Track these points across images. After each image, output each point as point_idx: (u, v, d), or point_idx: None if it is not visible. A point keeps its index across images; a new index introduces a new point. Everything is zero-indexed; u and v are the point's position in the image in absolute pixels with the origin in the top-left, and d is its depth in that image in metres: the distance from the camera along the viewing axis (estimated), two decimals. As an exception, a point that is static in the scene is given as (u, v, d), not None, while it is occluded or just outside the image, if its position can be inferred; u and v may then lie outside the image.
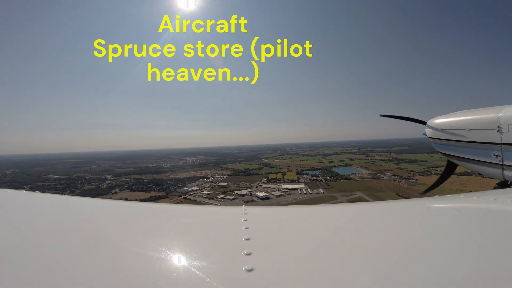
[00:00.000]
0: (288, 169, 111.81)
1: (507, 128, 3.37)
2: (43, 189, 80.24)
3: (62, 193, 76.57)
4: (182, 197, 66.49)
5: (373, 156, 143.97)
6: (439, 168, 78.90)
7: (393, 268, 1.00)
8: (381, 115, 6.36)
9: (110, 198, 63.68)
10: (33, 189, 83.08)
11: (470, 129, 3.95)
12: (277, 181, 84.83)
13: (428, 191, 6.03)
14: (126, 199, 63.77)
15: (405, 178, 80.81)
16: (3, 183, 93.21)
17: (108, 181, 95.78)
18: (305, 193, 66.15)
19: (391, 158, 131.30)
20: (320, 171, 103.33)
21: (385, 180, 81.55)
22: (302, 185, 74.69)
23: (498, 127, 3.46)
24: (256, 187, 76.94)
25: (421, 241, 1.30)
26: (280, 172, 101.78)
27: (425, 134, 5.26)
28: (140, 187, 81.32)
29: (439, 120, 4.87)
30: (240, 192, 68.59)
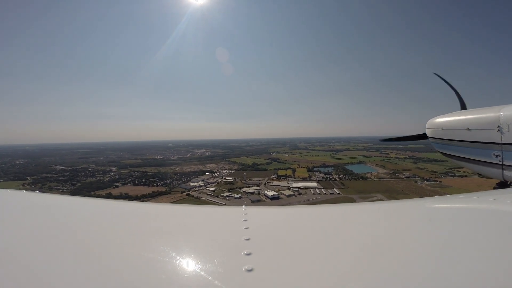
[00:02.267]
0: (298, 165, 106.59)
1: (507, 127, 3.34)
2: (45, 180, 78.35)
3: (63, 185, 75.08)
4: (185, 193, 62.29)
5: (388, 154, 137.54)
6: (462, 170, 72.98)
7: (393, 268, 0.99)
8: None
9: (110, 193, 61.90)
10: (35, 180, 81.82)
11: (471, 129, 3.88)
12: (287, 178, 79.50)
13: (387, 141, 7.28)
14: (126, 194, 60.16)
15: (427, 179, 74.31)
16: (9, 173, 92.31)
17: (112, 173, 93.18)
18: (319, 193, 60.53)
19: (407, 157, 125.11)
20: (332, 168, 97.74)
21: (405, 181, 75.21)
22: (315, 184, 69.03)
23: (498, 126, 3.41)
24: (265, 184, 71.75)
25: (421, 241, 1.30)
26: (290, 168, 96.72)
27: (425, 134, 5.27)
28: (143, 180, 77.96)
29: (439, 120, 4.83)
30: (247, 190, 63.80)
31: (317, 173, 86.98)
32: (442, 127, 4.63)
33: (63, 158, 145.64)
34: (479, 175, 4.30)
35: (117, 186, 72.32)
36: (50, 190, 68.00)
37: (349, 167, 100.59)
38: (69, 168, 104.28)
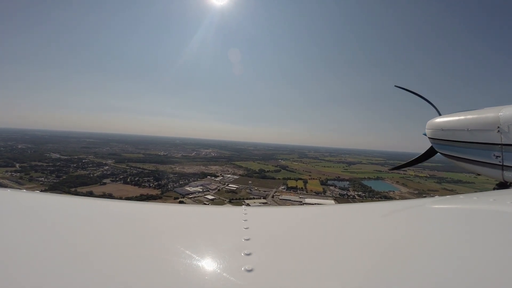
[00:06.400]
0: (309, 176, 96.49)
1: (507, 128, 3.33)
2: (31, 170, 71.34)
3: (46, 177, 65.20)
4: (178, 200, 53.62)
5: (406, 171, 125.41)
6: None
7: (393, 268, 1.00)
8: (396, 86, 6.59)
9: (91, 192, 53.24)
10: (22, 168, 75.09)
11: (470, 130, 3.89)
12: (299, 191, 69.68)
13: (398, 169, 6.78)
14: (110, 194, 51.70)
15: (462, 205, 63.08)
16: (1, 158, 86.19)
17: (106, 167, 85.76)
18: (337, 214, 50.27)
19: (428, 175, 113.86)
20: (348, 183, 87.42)
21: (437, 205, 64.20)
22: (332, 201, 58.94)
23: (498, 127, 3.40)
24: (273, 197, 62.17)
25: (421, 241, 1.30)
26: (300, 179, 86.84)
27: (425, 134, 5.20)
28: (136, 179, 69.86)
29: (439, 120, 4.83)
30: (251, 202, 54.34)
31: (331, 187, 76.82)
32: (442, 128, 4.62)
33: (66, 146, 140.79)
34: (478, 175, 4.32)
35: (104, 184, 64.27)
36: (30, 181, 60.76)
37: (366, 183, 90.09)
38: (65, 157, 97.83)
